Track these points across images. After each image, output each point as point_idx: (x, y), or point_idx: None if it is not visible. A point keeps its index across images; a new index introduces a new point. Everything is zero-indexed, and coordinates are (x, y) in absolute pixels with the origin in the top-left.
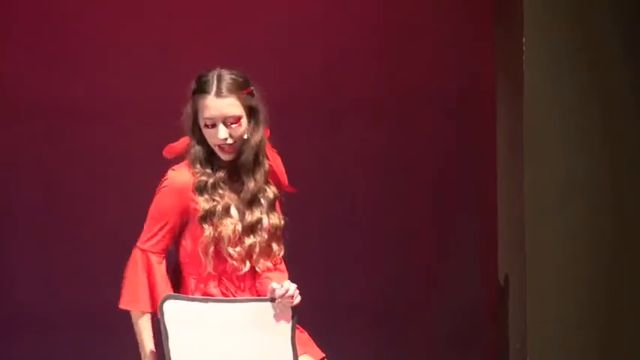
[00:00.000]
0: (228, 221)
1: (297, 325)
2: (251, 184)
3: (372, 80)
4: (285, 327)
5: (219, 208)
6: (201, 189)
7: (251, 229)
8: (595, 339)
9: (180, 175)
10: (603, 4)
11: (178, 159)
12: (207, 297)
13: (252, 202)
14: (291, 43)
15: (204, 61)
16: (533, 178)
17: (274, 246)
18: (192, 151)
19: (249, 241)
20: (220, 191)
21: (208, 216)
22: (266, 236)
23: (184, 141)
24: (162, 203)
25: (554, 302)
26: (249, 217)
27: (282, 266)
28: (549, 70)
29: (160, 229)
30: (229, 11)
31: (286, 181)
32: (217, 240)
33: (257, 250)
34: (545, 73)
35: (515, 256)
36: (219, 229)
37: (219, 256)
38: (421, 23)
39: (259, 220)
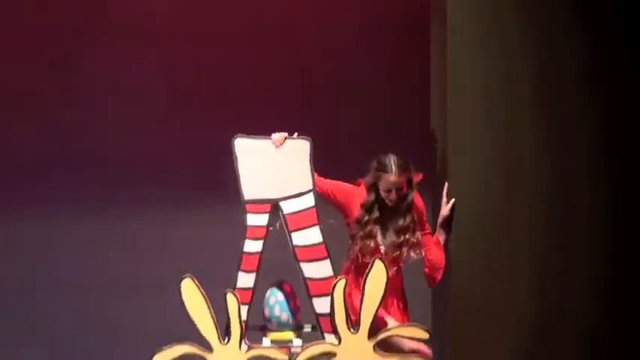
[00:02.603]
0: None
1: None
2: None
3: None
4: (305, 154)
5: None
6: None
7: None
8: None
9: (354, 190)
10: (518, 20)
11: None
12: (263, 136)
13: (399, 231)
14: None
15: None
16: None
17: (411, 252)
18: (368, 199)
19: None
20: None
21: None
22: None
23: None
24: (344, 186)
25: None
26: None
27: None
28: (469, 73)
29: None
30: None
31: (424, 216)
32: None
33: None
34: (464, 76)
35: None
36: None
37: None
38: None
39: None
